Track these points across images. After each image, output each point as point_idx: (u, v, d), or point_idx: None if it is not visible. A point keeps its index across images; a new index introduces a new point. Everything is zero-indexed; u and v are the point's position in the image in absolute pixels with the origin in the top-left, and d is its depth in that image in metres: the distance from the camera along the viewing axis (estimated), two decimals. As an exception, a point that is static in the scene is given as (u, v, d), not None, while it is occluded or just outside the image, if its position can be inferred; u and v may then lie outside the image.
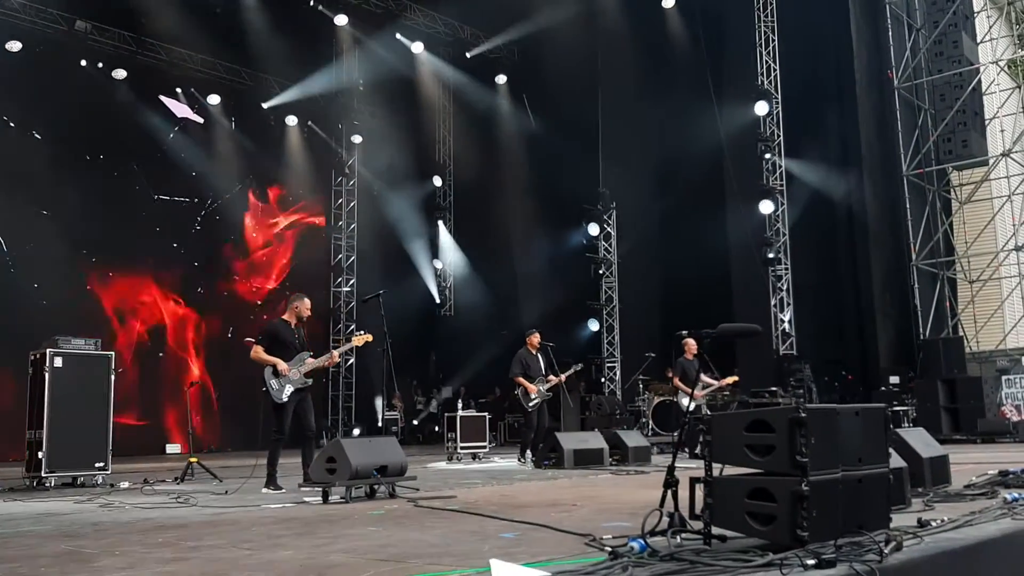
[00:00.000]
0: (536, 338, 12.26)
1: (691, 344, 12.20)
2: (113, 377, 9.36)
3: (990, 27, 18.00)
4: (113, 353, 9.52)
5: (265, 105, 20.46)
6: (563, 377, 12.35)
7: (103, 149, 17.44)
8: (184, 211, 18.91)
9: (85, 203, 16.79)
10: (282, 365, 7.97)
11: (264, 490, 7.70)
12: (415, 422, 21.93)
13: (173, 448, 17.26)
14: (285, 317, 8.34)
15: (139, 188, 18.09)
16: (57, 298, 15.97)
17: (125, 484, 8.92)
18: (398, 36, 20.66)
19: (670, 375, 16.39)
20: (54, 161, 16.39)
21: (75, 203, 16.59)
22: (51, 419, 8.74)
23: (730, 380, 13.09)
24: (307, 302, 8.44)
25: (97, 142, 17.33)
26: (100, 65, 17.51)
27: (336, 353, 8.69)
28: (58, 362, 8.90)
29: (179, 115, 18.69)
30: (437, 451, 14.88)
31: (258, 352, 8.06)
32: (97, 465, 9.06)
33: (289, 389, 8.00)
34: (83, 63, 17.15)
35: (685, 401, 12.47)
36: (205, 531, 5.21)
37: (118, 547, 4.59)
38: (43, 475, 8.65)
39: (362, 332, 8.57)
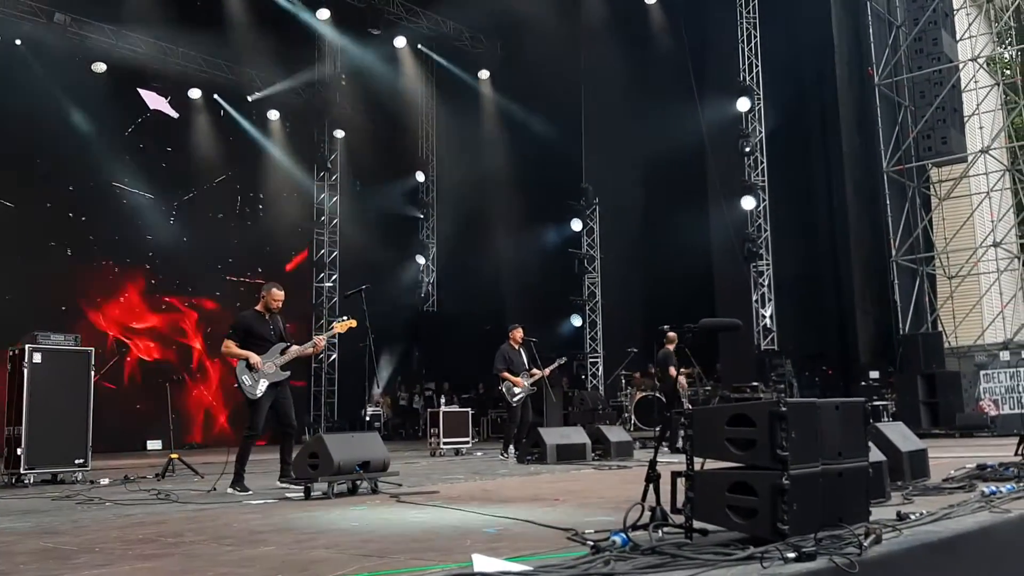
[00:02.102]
0: (519, 333, 12.28)
1: (671, 336, 12.62)
2: (93, 373, 9.27)
3: (969, 24, 18.12)
4: (93, 349, 9.43)
5: (250, 98, 20.35)
6: (547, 371, 12.38)
7: (80, 142, 17.28)
8: (161, 204, 18.77)
9: (59, 195, 16.69)
10: (254, 358, 7.56)
11: (230, 490, 7.34)
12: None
13: (154, 444, 17.15)
14: (258, 308, 7.96)
15: (114, 181, 17.95)
16: (25, 292, 15.84)
17: (105, 481, 8.87)
18: (380, 30, 20.59)
19: (653, 371, 16.46)
20: (28, 153, 16.31)
21: (46, 195, 16.49)
22: (30, 415, 8.65)
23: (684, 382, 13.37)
24: (275, 292, 7.95)
25: (74, 134, 17.16)
26: (79, 58, 17.36)
27: (321, 340, 8.27)
28: (37, 358, 8.80)
29: (152, 106, 18.52)
30: (420, 447, 14.87)
31: (229, 347, 7.66)
32: (77, 462, 8.98)
33: (264, 384, 7.59)
34: (62, 56, 17.01)
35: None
36: (186, 527, 5.18)
37: (97, 544, 4.56)
38: (22, 472, 8.55)
39: (345, 318, 8.31)
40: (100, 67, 17.58)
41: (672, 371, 12.61)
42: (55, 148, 16.94)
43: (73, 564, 3.95)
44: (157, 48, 18.42)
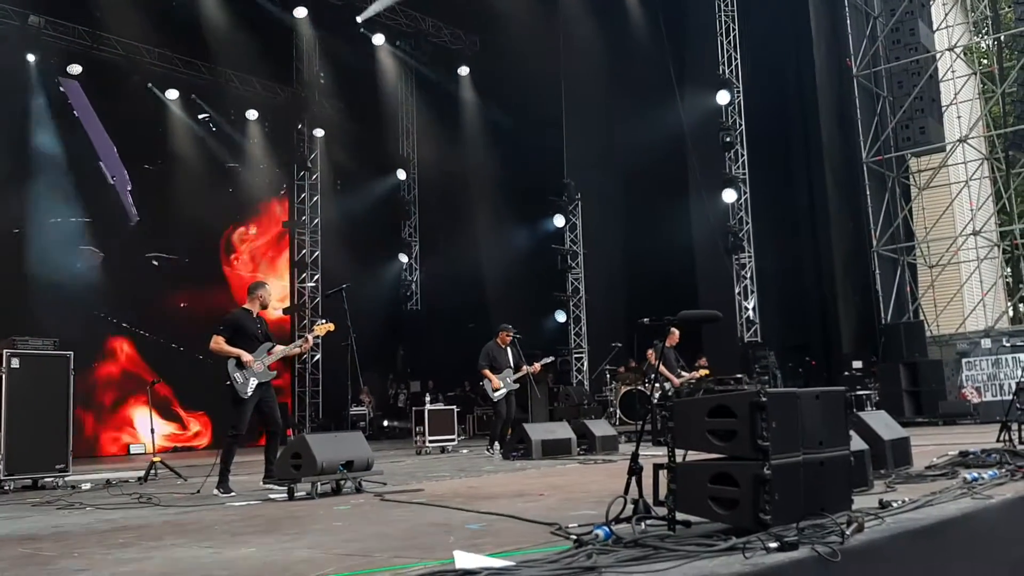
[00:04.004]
0: (507, 336, 12.28)
1: (675, 334, 12.43)
2: (72, 377, 9.18)
3: (946, 14, 18.25)
4: (72, 353, 9.33)
5: (223, 98, 20.22)
6: (537, 367, 12.38)
7: (58, 145, 17.13)
8: (144, 205, 18.59)
9: (35, 197, 16.56)
10: (246, 356, 7.57)
11: (215, 492, 7.30)
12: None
13: (137, 448, 17.05)
14: (247, 306, 7.94)
15: (95, 182, 17.80)
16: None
17: (87, 485, 8.79)
18: (359, 28, 20.51)
19: (635, 365, 16.48)
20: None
21: (25, 197, 16.39)
22: (9, 421, 8.53)
23: (703, 373, 13.26)
24: (270, 289, 8.13)
25: (51, 138, 17.00)
26: (54, 61, 17.20)
27: (311, 338, 8.29)
28: (15, 363, 8.69)
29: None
30: (406, 446, 14.84)
31: (219, 343, 7.62)
32: (58, 467, 8.89)
33: (253, 383, 7.60)
34: (32, 58, 16.83)
35: (667, 386, 12.64)
36: (167, 531, 5.14)
37: (77, 549, 4.51)
38: (2, 479, 8.46)
39: (323, 321, 8.35)
40: (76, 69, 17.41)
41: (661, 367, 12.56)
42: (37, 150, 16.81)
43: (52, 569, 3.91)
44: (133, 49, 18.26)
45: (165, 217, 18.83)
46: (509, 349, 12.27)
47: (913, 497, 4.41)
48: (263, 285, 8.15)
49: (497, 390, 11.84)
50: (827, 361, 17.39)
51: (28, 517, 6.30)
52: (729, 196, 17.68)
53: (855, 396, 14.92)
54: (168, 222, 18.88)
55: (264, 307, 8.03)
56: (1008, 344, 16.27)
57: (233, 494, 7.24)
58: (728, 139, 17.67)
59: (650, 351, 13.34)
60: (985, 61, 20.17)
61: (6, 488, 8.48)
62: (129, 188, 18.24)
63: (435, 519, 5.08)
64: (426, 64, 22.52)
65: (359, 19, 20.15)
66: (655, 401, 12.05)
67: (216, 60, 19.39)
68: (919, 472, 5.85)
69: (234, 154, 20.55)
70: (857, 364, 16.26)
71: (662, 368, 12.51)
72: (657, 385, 12.57)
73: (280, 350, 7.89)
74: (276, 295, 7.62)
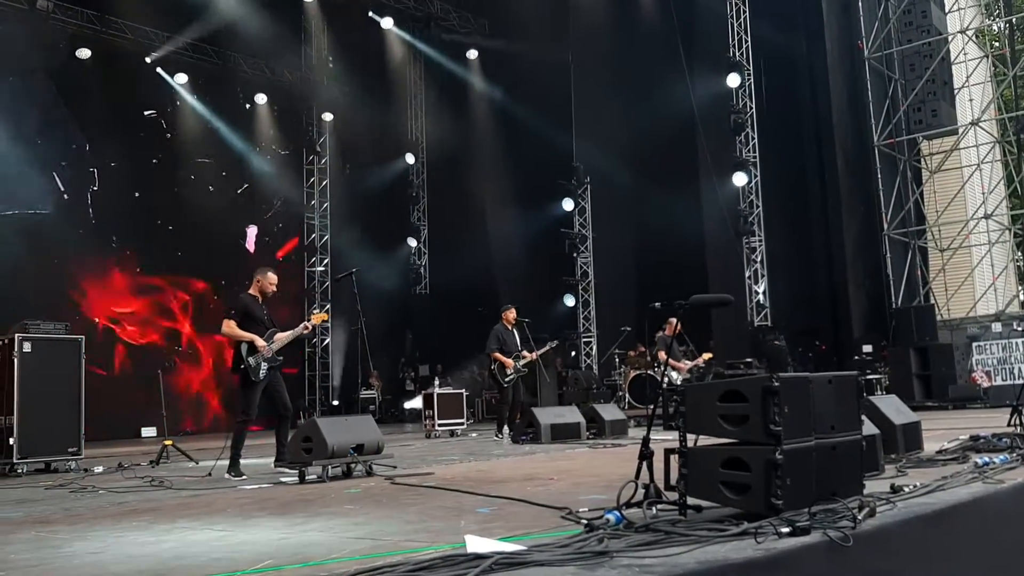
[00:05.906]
0: (512, 313, 12.26)
1: (672, 322, 12.37)
2: (84, 360, 9.22)
3: (958, -3, 18.05)
4: (83, 337, 9.38)
5: (232, 82, 20.20)
6: (535, 355, 12.35)
7: (66, 130, 17.16)
8: (151, 191, 18.63)
9: (45, 184, 16.60)
10: (260, 342, 7.60)
11: (226, 475, 7.36)
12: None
13: (148, 431, 17.12)
14: (252, 292, 7.99)
15: (105, 168, 17.82)
16: (14, 281, 15.73)
17: (99, 468, 8.85)
18: (367, 12, 20.45)
19: (643, 350, 16.46)
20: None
21: (34, 183, 16.41)
22: (21, 405, 8.60)
23: (707, 356, 13.24)
24: (272, 276, 8.06)
25: (59, 122, 17.03)
26: (63, 45, 17.21)
27: (310, 324, 8.26)
28: (27, 347, 8.75)
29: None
30: (415, 429, 14.88)
31: (232, 327, 7.64)
32: (70, 450, 8.96)
33: (264, 367, 7.65)
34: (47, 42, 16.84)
35: (674, 375, 12.58)
36: (179, 514, 5.17)
37: (90, 531, 4.54)
38: (15, 462, 8.52)
39: (317, 311, 8.36)
40: (85, 53, 17.41)
41: (661, 354, 12.53)
42: (45, 135, 16.83)
43: (65, 552, 3.93)
44: (142, 33, 18.25)
45: (171, 202, 18.87)
46: (516, 330, 12.25)
47: (924, 482, 4.40)
48: (264, 271, 8.11)
49: (509, 372, 11.85)
50: (837, 345, 17.34)
51: (42, 500, 6.34)
52: (739, 179, 17.60)
53: (865, 380, 14.89)
54: (174, 207, 18.92)
55: (264, 294, 7.98)
56: (1019, 328, 16.18)
57: (244, 477, 7.28)
58: (739, 122, 17.57)
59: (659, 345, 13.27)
60: (997, 44, 19.96)
61: (19, 471, 8.55)
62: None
63: (445, 503, 5.09)
64: (435, 48, 22.45)
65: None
66: (664, 386, 12.03)
67: (225, 44, 19.38)
68: (930, 456, 5.84)
69: (243, 138, 20.54)
70: (867, 348, 16.20)
71: (662, 355, 12.46)
72: (674, 375, 12.54)
73: (282, 337, 7.88)
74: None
